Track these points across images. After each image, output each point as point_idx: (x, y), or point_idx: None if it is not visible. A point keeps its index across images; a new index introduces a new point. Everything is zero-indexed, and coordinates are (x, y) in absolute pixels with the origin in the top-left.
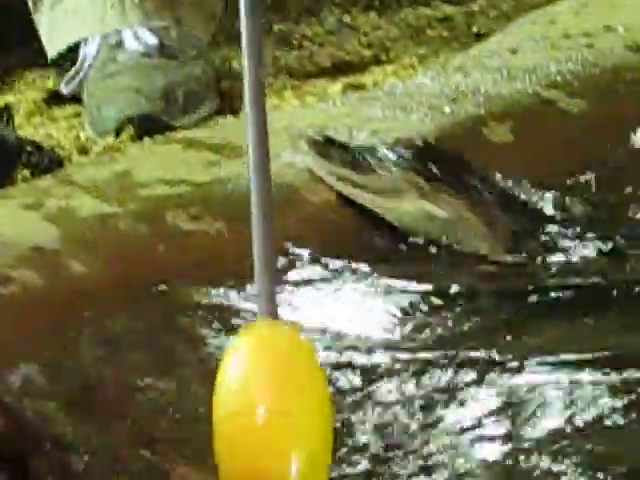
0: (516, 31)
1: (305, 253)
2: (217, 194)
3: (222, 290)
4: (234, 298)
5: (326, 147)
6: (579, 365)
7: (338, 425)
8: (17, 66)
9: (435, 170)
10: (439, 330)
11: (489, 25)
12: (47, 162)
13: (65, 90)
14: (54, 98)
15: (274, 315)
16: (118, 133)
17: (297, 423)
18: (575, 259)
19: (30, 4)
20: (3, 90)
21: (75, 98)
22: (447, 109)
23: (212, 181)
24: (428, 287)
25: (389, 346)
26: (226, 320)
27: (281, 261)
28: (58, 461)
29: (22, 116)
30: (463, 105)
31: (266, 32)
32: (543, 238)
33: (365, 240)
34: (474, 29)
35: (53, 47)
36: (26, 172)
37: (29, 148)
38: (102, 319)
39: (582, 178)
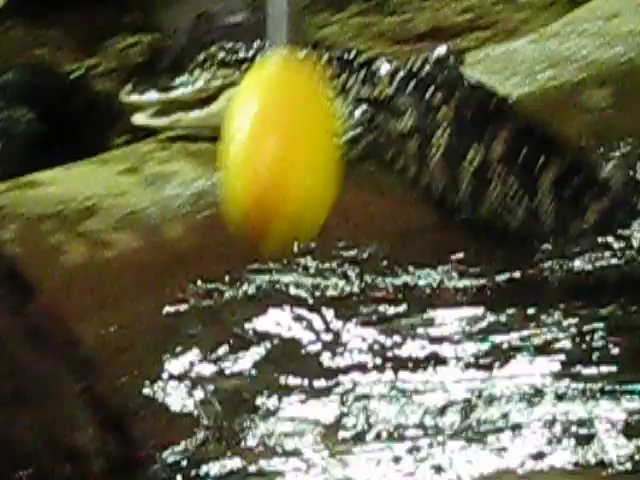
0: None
1: None
2: None
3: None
4: None
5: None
6: None
7: None
8: (114, 32)
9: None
10: None
11: None
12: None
13: (163, 62)
14: (149, 65)
15: (284, 43)
16: None
17: (303, 135)
18: None
19: None
20: (102, 58)
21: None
22: (544, 75)
23: None
24: None
25: None
26: None
27: None
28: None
29: (119, 82)
30: (561, 70)
31: None
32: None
33: None
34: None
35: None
36: (125, 137)
37: (126, 112)
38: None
39: None
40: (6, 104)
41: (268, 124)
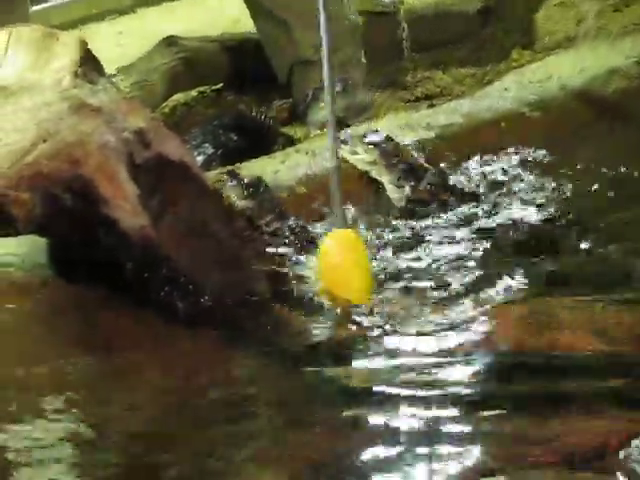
0: (505, 80)
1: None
2: None
3: None
4: None
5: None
6: None
7: None
8: (274, 98)
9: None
10: None
11: (494, 77)
12: (289, 142)
13: (298, 111)
14: (293, 115)
15: (344, 226)
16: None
17: (355, 267)
18: None
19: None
20: (269, 111)
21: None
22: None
23: None
24: None
25: None
26: None
27: None
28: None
29: (276, 123)
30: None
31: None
32: None
33: None
34: (485, 80)
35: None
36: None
37: (281, 135)
38: None
39: None
40: (224, 132)
41: (338, 256)
